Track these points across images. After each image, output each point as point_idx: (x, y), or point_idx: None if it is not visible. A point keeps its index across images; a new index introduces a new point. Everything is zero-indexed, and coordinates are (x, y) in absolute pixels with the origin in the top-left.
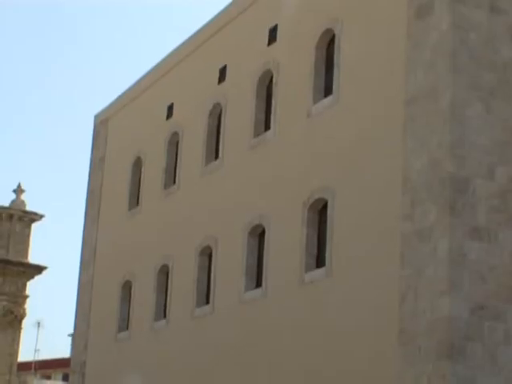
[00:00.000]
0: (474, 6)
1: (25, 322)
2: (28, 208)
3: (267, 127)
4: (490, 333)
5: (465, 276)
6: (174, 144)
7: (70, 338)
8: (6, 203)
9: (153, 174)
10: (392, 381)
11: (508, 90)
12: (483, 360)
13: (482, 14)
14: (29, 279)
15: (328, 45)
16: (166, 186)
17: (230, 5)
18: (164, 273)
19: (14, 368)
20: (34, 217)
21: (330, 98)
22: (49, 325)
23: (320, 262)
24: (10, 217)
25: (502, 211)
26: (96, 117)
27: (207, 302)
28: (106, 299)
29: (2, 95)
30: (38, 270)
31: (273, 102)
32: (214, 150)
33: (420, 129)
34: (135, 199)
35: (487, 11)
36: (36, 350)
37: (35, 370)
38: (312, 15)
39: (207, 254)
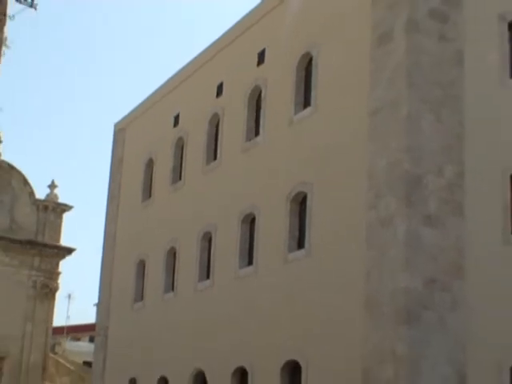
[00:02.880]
0: (425, 35)
1: (58, 295)
2: (60, 200)
3: (257, 133)
4: (439, 302)
5: (419, 255)
6: (179, 147)
7: (95, 307)
8: (42, 196)
9: (162, 172)
10: (361, 342)
11: (454, 103)
12: (435, 324)
13: (433, 42)
14: (61, 259)
15: (307, 65)
16: (173, 182)
17: (226, 32)
18: (172, 254)
19: (50, 332)
20: (65, 208)
21: (308, 110)
22: (78, 296)
23: (301, 244)
24: (46, 208)
25: (450, 202)
26: (115, 125)
27: (208, 278)
28: (124, 275)
29: (41, 108)
30: (68, 251)
31: (261, 112)
32: (213, 152)
33: (382, 135)
34: (148, 193)
35: (436, 39)
36: (67, 317)
37: (66, 333)
38: (293, 41)
39: (208, 239)
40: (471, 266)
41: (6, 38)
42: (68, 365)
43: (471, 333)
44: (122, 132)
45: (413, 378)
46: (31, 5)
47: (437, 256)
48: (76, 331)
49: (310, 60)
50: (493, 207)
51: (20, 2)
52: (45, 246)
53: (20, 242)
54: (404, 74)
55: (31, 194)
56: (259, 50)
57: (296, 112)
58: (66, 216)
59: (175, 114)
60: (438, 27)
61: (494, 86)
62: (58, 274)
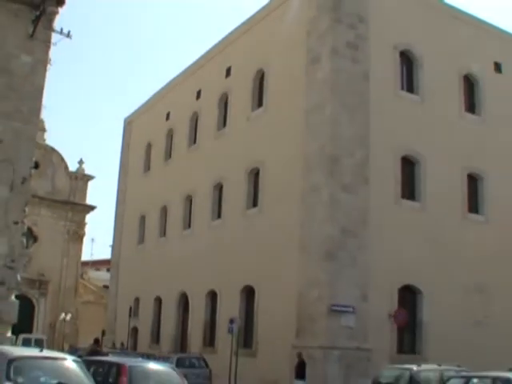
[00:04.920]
0: (343, 59)
1: (85, 239)
2: (86, 172)
3: (225, 125)
4: (351, 245)
5: (337, 212)
6: (170, 136)
7: (110, 248)
8: (74, 169)
9: (157, 153)
10: (296, 273)
11: (362, 106)
12: (347, 260)
13: (348, 63)
14: (87, 213)
15: (260, 78)
16: (165, 160)
17: (205, 53)
18: (164, 210)
19: (79, 264)
20: (90, 177)
21: (261, 109)
22: (98, 240)
23: (255, 203)
24: (76, 178)
25: (359, 175)
26: (125, 120)
27: (189, 227)
28: (131, 225)
29: (73, 106)
30: (92, 208)
31: (228, 110)
32: (193, 139)
33: (313, 127)
34: (148, 167)
35: (350, 62)
36: (91, 255)
37: (91, 266)
38: (250, 60)
39: (190, 200)
40: (373, 219)
41: (50, 59)
42: (92, 287)
43: (372, 266)
44: (129, 124)
45: (331, 297)
46: (68, 35)
47: (350, 213)
48: (97, 264)
49: (263, 74)
50: (388, 179)
51: (60, 33)
52: (75, 204)
53: (58, 201)
54: (328, 85)
55: (66, 168)
56: (227, 66)
57: (252, 110)
58: (90, 183)
59: (167, 112)
60: (351, 53)
61: (390, 95)
62: (85, 224)
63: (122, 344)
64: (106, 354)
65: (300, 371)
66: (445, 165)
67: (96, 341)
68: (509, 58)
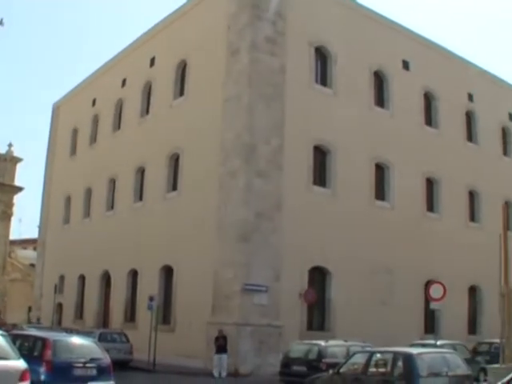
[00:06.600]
0: (261, 52)
1: (13, 219)
2: (15, 155)
3: (148, 112)
4: (264, 228)
5: (252, 197)
6: (96, 121)
7: (37, 228)
8: (3, 152)
9: (83, 137)
10: (213, 254)
11: (278, 97)
12: (261, 242)
13: (266, 57)
14: (15, 194)
15: (183, 68)
16: (90, 143)
17: (131, 43)
18: (89, 192)
19: (7, 243)
20: (18, 160)
21: (182, 98)
22: (26, 220)
23: (175, 187)
24: (5, 159)
25: (273, 162)
26: (53, 104)
27: (112, 208)
28: (57, 206)
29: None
30: (20, 189)
31: (151, 98)
32: (118, 125)
33: (230, 116)
34: (74, 150)
35: (269, 55)
36: (19, 234)
37: (18, 244)
38: (173, 51)
39: (113, 182)
40: (286, 204)
41: None
42: (19, 265)
43: (285, 248)
44: (57, 109)
45: (245, 277)
46: (0, 22)
47: (264, 197)
48: (25, 244)
49: (185, 65)
50: (301, 166)
51: None
52: (3, 185)
53: None
54: (246, 76)
55: None
56: (151, 56)
57: (174, 99)
58: (19, 165)
59: (93, 98)
60: (269, 47)
61: (304, 87)
62: (13, 204)
63: (38, 319)
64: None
65: (221, 346)
66: (354, 154)
67: None
68: (416, 57)
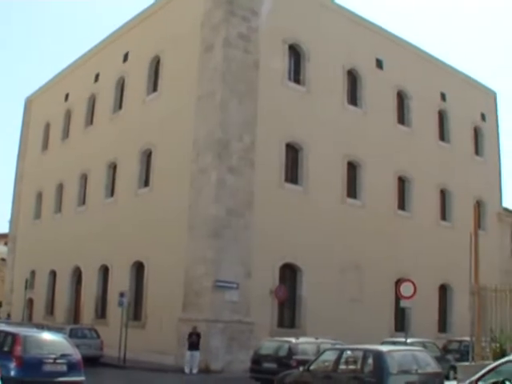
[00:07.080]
0: (235, 49)
1: None
2: None
3: (120, 108)
4: (236, 224)
5: (224, 193)
6: (68, 116)
7: (8, 223)
8: None
9: (55, 132)
10: (184, 250)
11: (251, 94)
12: (232, 239)
13: (239, 53)
14: None
15: (156, 64)
16: (63, 139)
17: (105, 39)
18: (60, 187)
19: None
20: None
21: (155, 93)
22: None
23: (146, 183)
24: None
25: (246, 159)
26: (26, 98)
27: (84, 204)
28: (28, 201)
29: None
30: None
31: (124, 93)
32: (90, 119)
33: (203, 113)
34: (46, 145)
35: (242, 52)
36: None
37: None
38: (147, 47)
39: (85, 178)
40: (257, 201)
41: None
42: None
43: (256, 245)
44: (30, 103)
45: (216, 273)
46: None
47: (236, 194)
48: None
49: (158, 61)
50: (273, 163)
51: None
52: None
53: None
54: (219, 73)
55: None
56: (125, 52)
57: (147, 94)
58: None
59: (66, 93)
60: (243, 44)
61: (277, 85)
62: None
63: (9, 314)
64: None
65: (193, 343)
66: (327, 152)
67: None
68: (390, 56)
